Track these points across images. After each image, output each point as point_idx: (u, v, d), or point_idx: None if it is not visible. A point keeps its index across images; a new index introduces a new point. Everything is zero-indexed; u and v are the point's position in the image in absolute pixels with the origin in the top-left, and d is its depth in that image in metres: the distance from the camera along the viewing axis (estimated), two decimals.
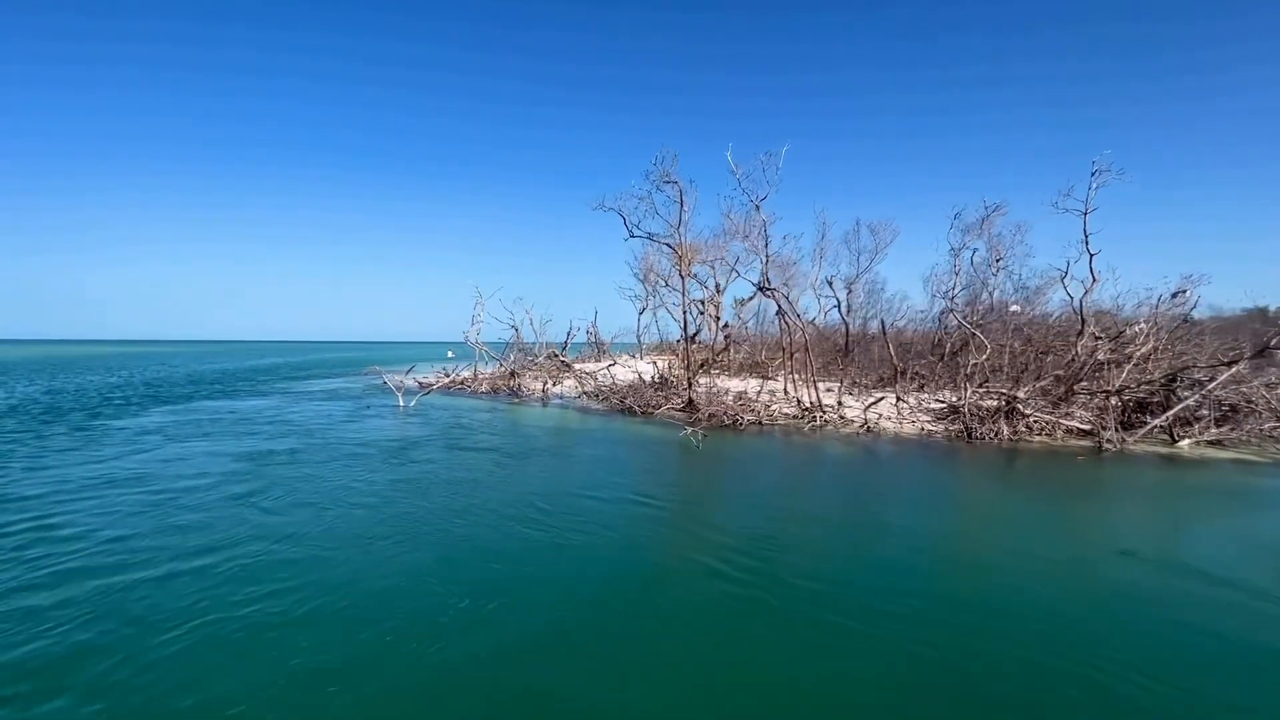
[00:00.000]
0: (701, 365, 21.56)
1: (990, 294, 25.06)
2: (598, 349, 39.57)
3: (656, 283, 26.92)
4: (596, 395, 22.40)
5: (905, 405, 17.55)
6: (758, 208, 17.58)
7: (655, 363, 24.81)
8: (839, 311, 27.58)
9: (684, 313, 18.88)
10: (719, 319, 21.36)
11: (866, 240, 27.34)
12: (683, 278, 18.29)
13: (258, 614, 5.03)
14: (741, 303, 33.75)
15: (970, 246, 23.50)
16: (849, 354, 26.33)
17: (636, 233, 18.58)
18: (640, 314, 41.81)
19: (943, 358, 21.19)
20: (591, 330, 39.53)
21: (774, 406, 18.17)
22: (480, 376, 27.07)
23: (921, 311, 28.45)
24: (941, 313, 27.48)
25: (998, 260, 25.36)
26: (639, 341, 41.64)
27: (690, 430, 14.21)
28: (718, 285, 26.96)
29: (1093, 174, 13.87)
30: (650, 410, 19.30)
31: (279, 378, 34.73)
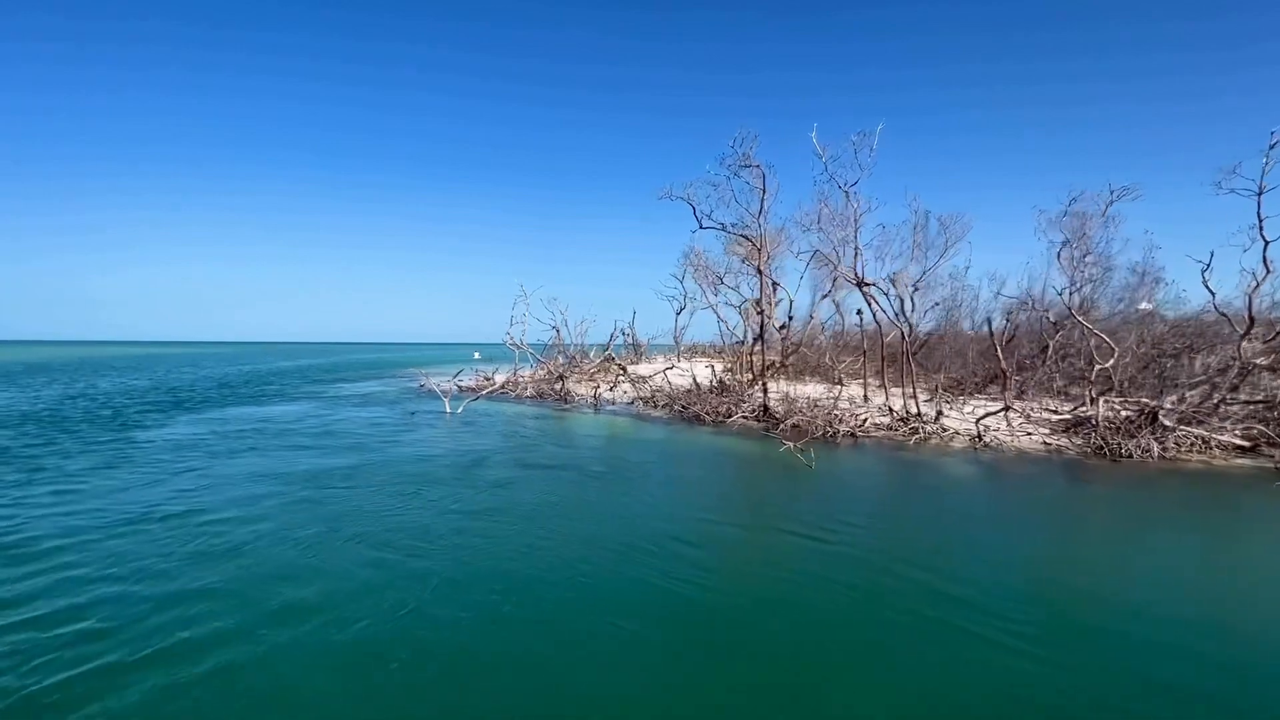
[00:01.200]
0: (768, 368, 19.80)
1: (1078, 291, 22.99)
2: (635, 351, 37.99)
3: (715, 281, 25.10)
4: (654, 401, 20.71)
5: (1015, 414, 15.64)
6: (847, 195, 15.78)
7: (713, 365, 23.04)
8: (902, 311, 25.58)
9: (761, 312, 17.08)
10: (790, 318, 19.54)
11: (935, 234, 25.20)
12: (760, 272, 16.53)
13: None
14: (771, 304, 31.92)
15: (1056, 241, 21.36)
16: (911, 357, 24.31)
17: (707, 223, 16.87)
18: (678, 314, 40.21)
19: (1044, 360, 19.19)
20: (628, 332, 37.97)
21: (864, 415, 16.36)
22: (523, 380, 25.51)
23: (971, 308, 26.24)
24: (1009, 311, 25.43)
25: (1085, 255, 23.31)
26: (676, 343, 39.94)
27: (793, 445, 12.48)
28: (774, 283, 25.08)
29: (1270, 147, 11.86)
30: (721, 419, 17.59)
31: (308, 380, 33.58)
